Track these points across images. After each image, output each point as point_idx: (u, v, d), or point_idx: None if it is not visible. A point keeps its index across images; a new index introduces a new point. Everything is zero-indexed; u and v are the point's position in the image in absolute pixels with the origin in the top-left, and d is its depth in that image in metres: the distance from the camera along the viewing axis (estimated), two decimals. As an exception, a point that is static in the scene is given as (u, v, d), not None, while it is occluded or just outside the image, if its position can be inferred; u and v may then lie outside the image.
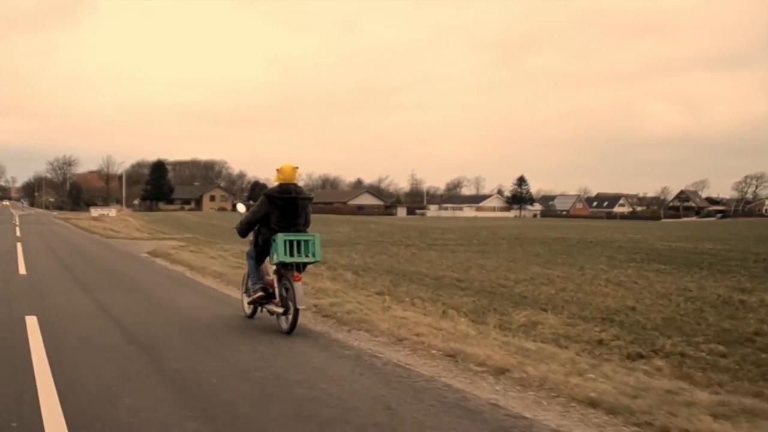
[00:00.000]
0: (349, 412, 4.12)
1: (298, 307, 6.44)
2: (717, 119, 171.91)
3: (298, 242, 6.61)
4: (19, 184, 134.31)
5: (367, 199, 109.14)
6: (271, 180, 7.63)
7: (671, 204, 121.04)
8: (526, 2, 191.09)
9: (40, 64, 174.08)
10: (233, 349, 5.86)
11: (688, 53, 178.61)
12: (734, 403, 4.43)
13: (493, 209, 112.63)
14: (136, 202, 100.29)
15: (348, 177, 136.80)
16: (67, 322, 7.06)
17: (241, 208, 7.91)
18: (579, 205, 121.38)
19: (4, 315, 7.41)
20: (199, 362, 5.32)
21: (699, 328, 8.80)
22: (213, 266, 12.93)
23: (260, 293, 6.98)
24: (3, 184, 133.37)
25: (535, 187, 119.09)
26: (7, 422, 3.77)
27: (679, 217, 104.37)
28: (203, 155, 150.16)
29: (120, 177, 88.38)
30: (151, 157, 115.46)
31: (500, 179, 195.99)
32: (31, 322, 6.91)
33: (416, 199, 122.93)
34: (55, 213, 71.30)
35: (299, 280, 6.59)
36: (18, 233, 26.70)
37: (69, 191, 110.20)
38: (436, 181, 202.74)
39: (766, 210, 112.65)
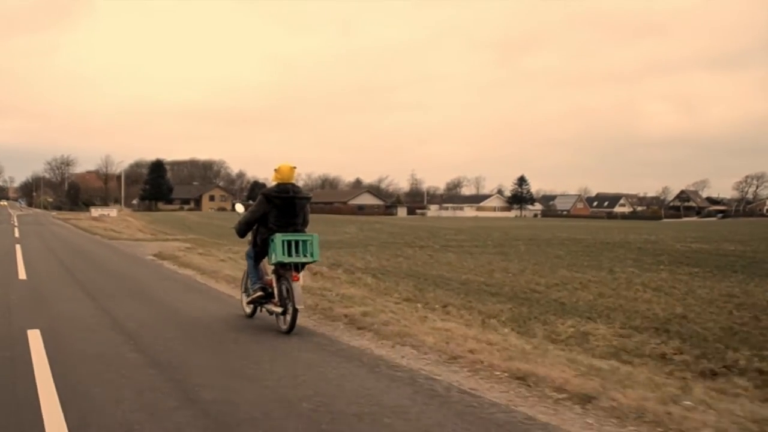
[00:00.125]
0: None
1: (297, 307, 6.39)
2: (716, 119, 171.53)
3: (296, 242, 6.56)
4: (17, 183, 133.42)
5: (367, 199, 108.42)
6: (271, 180, 7.41)
7: (672, 204, 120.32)
8: (525, 2, 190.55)
9: (38, 64, 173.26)
10: (270, 372, 5.07)
11: (687, 53, 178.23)
12: None
13: (494, 209, 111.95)
14: (134, 201, 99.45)
15: (347, 177, 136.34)
16: (74, 336, 6.27)
17: (239, 208, 7.77)
18: (580, 205, 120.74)
19: (3, 328, 6.62)
20: (235, 390, 4.52)
21: (766, 339, 8.04)
22: (225, 270, 12.14)
23: (259, 293, 6.93)
24: (1, 184, 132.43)
25: (534, 187, 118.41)
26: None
27: (679, 217, 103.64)
28: (202, 155, 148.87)
29: (118, 177, 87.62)
30: (150, 156, 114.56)
31: (500, 179, 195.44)
32: (34, 337, 6.13)
33: (416, 199, 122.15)
34: (54, 213, 70.34)
35: (298, 279, 6.54)
36: (17, 234, 25.83)
37: (67, 191, 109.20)
38: (435, 181, 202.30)
39: (767, 210, 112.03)
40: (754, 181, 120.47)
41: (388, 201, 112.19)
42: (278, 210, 6.67)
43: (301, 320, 7.48)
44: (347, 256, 17.33)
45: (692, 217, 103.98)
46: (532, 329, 8.44)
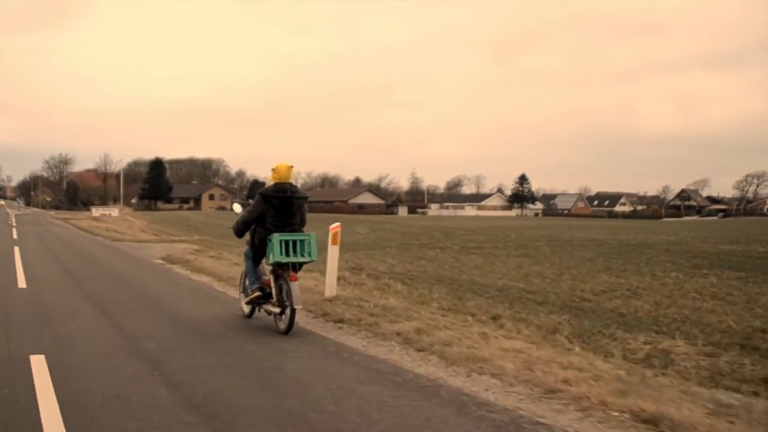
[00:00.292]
0: None
1: (295, 307, 6.35)
2: (715, 118, 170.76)
3: (294, 242, 6.52)
4: (14, 183, 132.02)
5: (367, 198, 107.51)
6: (268, 179, 7.13)
7: (672, 203, 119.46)
8: (523, 2, 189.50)
9: (36, 63, 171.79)
10: (341, 419, 4.06)
11: (686, 53, 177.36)
12: None
13: (495, 208, 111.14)
14: (133, 200, 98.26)
15: (347, 175, 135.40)
16: (87, 365, 5.21)
17: (237, 207, 7.67)
18: (581, 204, 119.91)
19: (2, 353, 5.59)
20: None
21: None
22: (243, 276, 11.09)
23: (258, 293, 6.90)
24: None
25: (534, 186, 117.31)
26: None
27: (680, 216, 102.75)
28: (200, 154, 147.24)
29: (117, 175, 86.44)
30: (148, 155, 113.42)
31: (500, 178, 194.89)
32: (38, 366, 5.11)
33: (416, 198, 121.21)
34: (52, 212, 69.03)
35: (295, 279, 6.49)
36: (15, 235, 24.69)
37: (66, 190, 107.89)
38: (435, 180, 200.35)
39: (767, 209, 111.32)
40: (755, 180, 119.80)
41: (388, 200, 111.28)
42: (276, 210, 6.62)
43: (348, 338, 6.53)
44: (366, 258, 16.32)
45: (693, 216, 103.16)
46: (603, 346, 7.44)
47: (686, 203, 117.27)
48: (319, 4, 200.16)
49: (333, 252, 8.68)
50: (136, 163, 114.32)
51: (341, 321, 7.32)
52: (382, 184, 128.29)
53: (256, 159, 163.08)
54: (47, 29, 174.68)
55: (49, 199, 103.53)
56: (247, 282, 7.18)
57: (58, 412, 4.00)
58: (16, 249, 16.92)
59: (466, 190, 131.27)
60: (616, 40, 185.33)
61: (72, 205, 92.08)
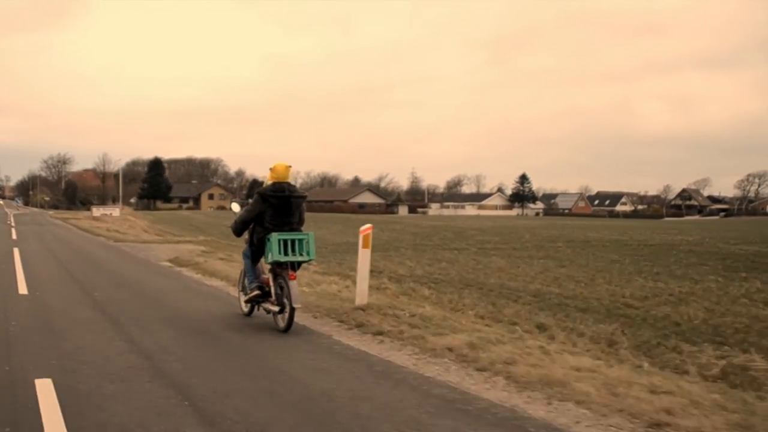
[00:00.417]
0: None
1: (294, 305, 6.35)
2: (713, 118, 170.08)
3: (292, 241, 6.52)
4: (13, 182, 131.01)
5: (367, 198, 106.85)
6: (267, 179, 7.00)
7: (673, 202, 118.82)
8: (524, 2, 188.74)
9: (34, 63, 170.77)
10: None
11: (683, 52, 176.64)
12: None
13: (496, 207, 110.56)
14: (133, 200, 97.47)
15: (346, 175, 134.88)
16: (102, 392, 4.43)
17: (235, 207, 7.74)
18: (581, 204, 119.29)
19: (2, 376, 4.82)
20: None
21: None
22: (260, 281, 10.32)
23: (257, 292, 6.90)
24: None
25: (533, 186, 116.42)
26: None
27: (681, 215, 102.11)
28: (199, 153, 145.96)
29: (116, 175, 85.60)
30: (147, 155, 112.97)
31: (499, 178, 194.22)
32: (45, 392, 4.35)
33: (416, 198, 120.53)
34: (51, 212, 68.09)
35: (294, 278, 6.48)
36: (14, 236, 23.86)
37: (64, 190, 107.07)
38: (434, 179, 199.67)
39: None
40: (756, 180, 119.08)
41: (388, 199, 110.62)
42: (274, 209, 6.62)
43: (394, 354, 5.79)
44: (383, 260, 15.56)
45: (694, 216, 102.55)
46: (671, 360, 6.72)
47: (687, 203, 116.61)
48: (318, 4, 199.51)
49: (364, 256, 7.87)
50: (134, 163, 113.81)
51: (380, 333, 6.57)
52: (382, 184, 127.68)
53: (256, 158, 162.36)
54: (47, 29, 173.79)
55: (47, 198, 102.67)
56: (246, 281, 7.18)
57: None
58: (16, 250, 16.13)
59: (466, 189, 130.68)
60: (616, 39, 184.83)
61: (71, 205, 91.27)
